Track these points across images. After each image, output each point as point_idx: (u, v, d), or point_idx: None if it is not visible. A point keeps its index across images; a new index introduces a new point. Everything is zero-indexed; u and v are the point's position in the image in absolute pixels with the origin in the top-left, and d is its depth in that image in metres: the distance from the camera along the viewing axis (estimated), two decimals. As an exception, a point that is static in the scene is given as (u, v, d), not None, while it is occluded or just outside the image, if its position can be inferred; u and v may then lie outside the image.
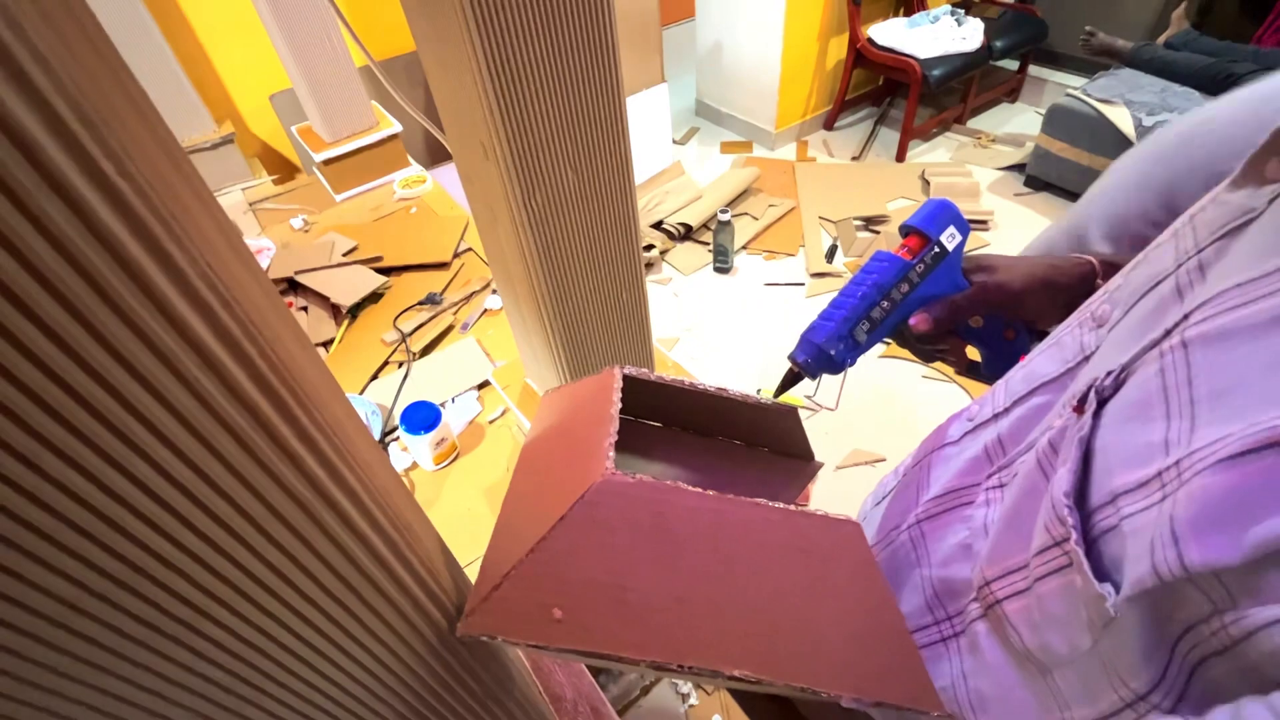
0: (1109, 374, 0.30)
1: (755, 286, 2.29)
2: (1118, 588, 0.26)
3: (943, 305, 0.48)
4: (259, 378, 0.17)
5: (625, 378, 0.40)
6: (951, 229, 0.48)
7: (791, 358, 0.49)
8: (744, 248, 2.43)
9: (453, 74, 0.54)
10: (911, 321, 0.49)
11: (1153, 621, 0.25)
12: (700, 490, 0.32)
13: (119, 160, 0.14)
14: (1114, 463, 0.28)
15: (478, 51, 0.49)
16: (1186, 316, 0.27)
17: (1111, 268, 0.48)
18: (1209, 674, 0.24)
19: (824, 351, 0.48)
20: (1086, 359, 0.36)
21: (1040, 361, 0.39)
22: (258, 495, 0.18)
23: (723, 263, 2.33)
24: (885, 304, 0.48)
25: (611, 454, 0.32)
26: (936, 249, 0.48)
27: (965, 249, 0.49)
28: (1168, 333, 0.28)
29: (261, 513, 0.18)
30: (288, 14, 1.29)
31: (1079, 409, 0.31)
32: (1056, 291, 0.49)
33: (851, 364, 0.49)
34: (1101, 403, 0.30)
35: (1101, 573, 0.27)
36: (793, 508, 0.33)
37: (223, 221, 0.20)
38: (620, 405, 0.36)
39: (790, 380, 0.50)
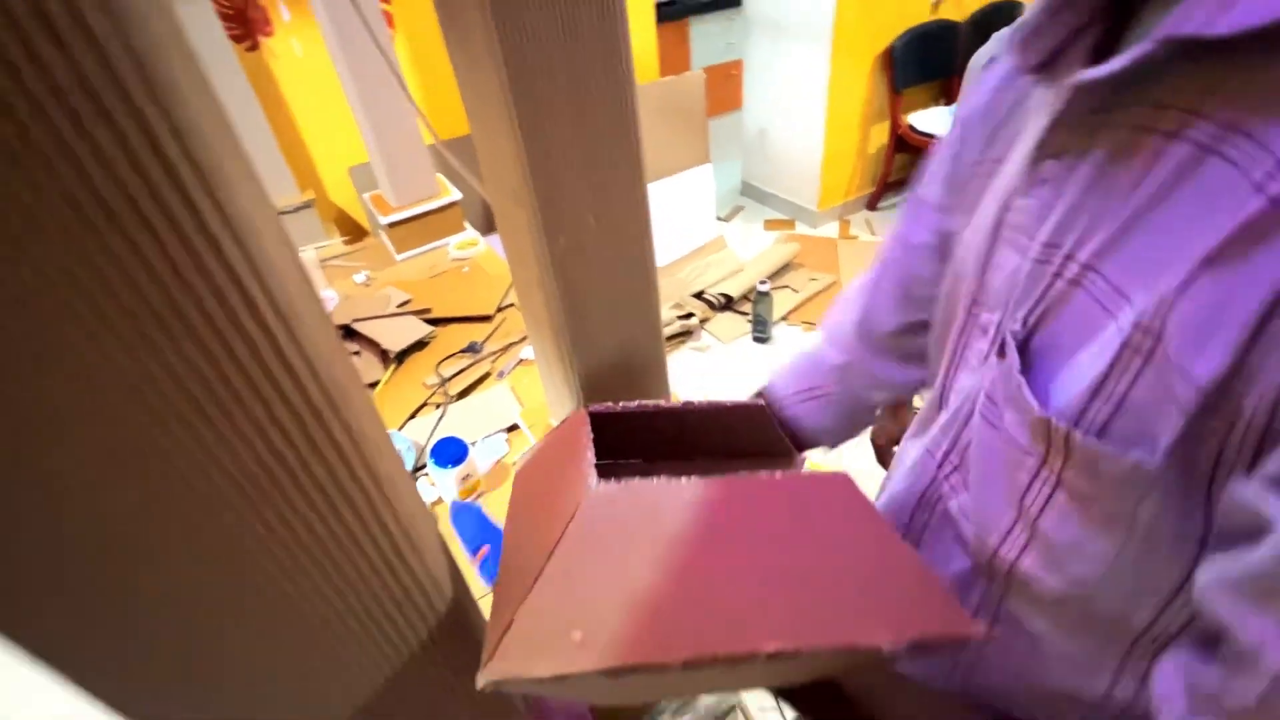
0: (1019, 320, 0.33)
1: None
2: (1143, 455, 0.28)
3: None
4: (278, 351, 0.22)
5: (593, 414, 0.42)
6: None
7: None
8: (784, 319, 2.47)
9: (492, 140, 0.62)
10: None
11: (1184, 473, 0.27)
12: (686, 477, 0.32)
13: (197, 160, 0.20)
14: (1074, 365, 0.30)
15: (515, 127, 0.56)
16: (1069, 257, 0.31)
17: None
18: (1234, 496, 0.26)
19: None
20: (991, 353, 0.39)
21: (962, 377, 0.42)
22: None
23: (761, 333, 2.37)
24: None
25: (594, 473, 0.33)
26: None
27: None
28: (1057, 276, 0.32)
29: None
30: (372, 99, 1.47)
31: (1001, 355, 0.34)
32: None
33: None
34: (1022, 344, 0.33)
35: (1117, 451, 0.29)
36: (778, 474, 0.33)
37: (285, 240, 0.26)
38: (593, 435, 0.38)
39: None
